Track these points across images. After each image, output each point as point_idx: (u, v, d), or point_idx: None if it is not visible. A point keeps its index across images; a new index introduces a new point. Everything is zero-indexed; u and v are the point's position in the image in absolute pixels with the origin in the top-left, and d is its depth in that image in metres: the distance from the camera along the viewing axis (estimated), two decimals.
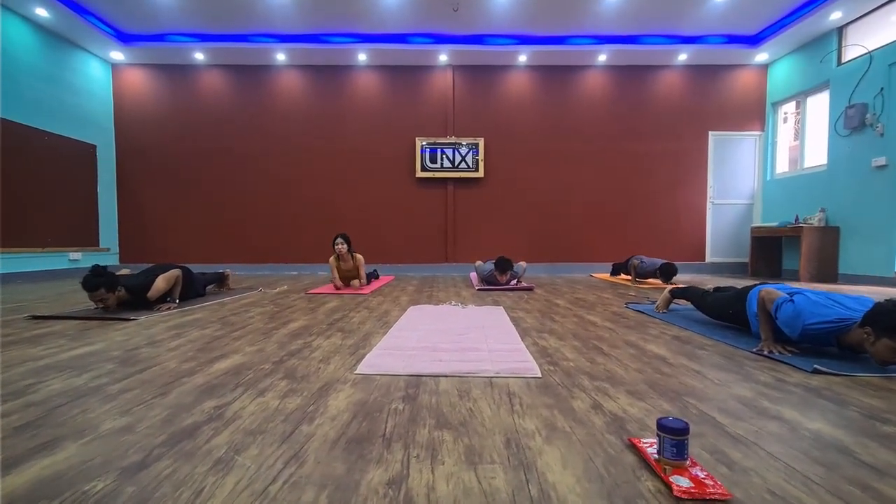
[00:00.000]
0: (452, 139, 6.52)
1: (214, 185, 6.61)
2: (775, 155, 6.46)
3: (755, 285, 2.38)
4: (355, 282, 4.45)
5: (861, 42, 5.11)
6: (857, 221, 5.11)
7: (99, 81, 6.30)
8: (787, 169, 6.34)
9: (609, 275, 6.01)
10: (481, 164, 6.51)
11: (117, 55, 6.21)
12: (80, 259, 5.91)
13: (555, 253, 6.64)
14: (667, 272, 4.77)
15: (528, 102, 6.57)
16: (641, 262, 5.06)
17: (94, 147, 6.18)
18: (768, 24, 5.66)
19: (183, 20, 5.55)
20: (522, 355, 1.87)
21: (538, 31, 5.86)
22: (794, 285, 2.38)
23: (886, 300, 1.69)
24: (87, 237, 6.08)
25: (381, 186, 6.60)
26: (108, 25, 5.68)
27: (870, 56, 4.93)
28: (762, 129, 6.53)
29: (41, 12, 5.08)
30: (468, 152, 6.51)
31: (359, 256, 4.43)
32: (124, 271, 3.38)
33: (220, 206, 6.62)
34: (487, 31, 5.85)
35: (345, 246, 4.30)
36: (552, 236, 6.63)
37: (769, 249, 6.17)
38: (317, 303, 3.55)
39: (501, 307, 3.31)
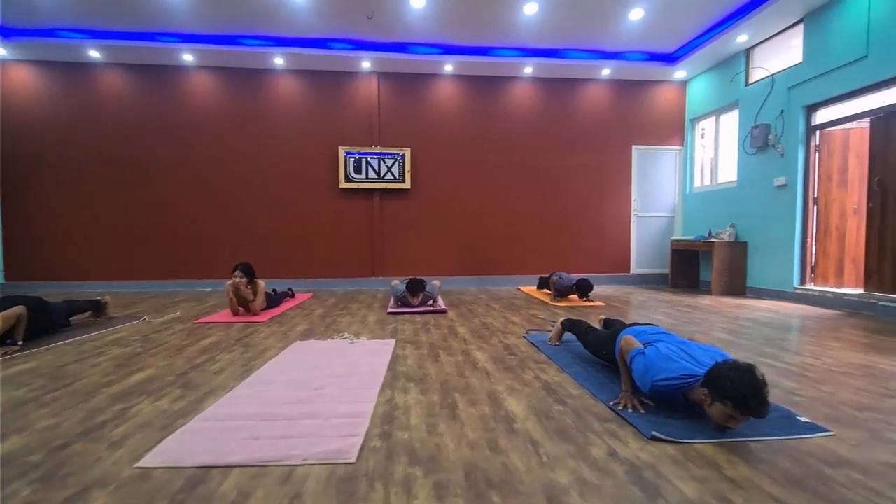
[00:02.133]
0: (378, 148, 6.28)
1: (118, 194, 6.05)
2: (693, 169, 6.66)
3: (626, 327, 2.32)
4: (254, 305, 4.14)
5: (765, 64, 5.30)
6: (762, 237, 5.30)
7: None
8: (708, 182, 6.51)
9: (536, 288, 5.99)
10: (408, 175, 6.31)
11: None
12: None
13: (484, 266, 6.55)
14: (582, 288, 4.79)
15: (455, 112, 6.42)
16: (560, 278, 5.04)
17: None
18: (684, 43, 5.78)
19: (71, 14, 5.00)
20: (357, 427, 1.68)
21: (462, 42, 5.72)
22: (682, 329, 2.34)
23: (724, 362, 1.62)
24: None
25: (302, 197, 6.27)
26: None
27: (772, 79, 5.11)
28: (682, 144, 6.71)
29: None
30: (394, 163, 6.29)
31: (259, 283, 4.13)
32: None
33: (125, 217, 6.07)
34: (410, 39, 5.64)
35: (244, 280, 4.00)
36: (481, 249, 6.54)
37: (687, 262, 6.35)
38: (195, 338, 3.23)
39: (394, 340, 3.13)
